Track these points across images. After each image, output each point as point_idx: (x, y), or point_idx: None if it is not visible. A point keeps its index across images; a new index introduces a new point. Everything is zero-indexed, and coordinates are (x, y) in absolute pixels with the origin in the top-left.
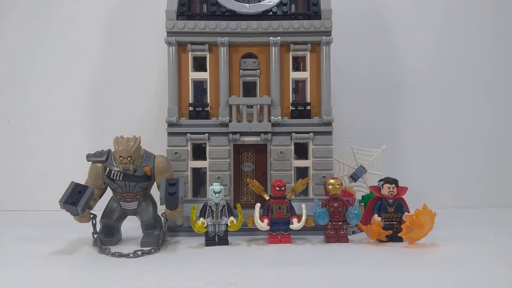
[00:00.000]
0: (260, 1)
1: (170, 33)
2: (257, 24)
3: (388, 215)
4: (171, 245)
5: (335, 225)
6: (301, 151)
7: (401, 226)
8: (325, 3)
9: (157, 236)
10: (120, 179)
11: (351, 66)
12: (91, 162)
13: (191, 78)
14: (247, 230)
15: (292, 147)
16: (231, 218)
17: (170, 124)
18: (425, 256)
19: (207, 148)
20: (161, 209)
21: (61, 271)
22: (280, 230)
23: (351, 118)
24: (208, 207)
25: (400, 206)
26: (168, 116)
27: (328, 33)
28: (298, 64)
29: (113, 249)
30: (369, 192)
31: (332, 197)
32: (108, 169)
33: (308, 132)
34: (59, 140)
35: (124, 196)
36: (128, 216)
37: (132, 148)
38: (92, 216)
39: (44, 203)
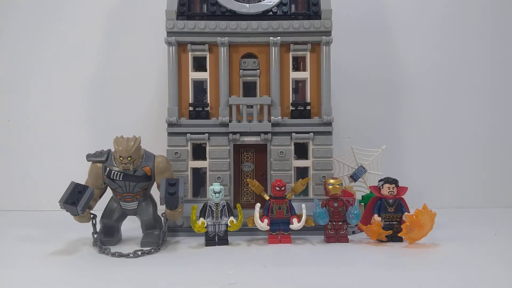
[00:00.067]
0: (260, 1)
1: (170, 33)
2: (257, 24)
3: (388, 215)
4: (171, 245)
5: (335, 225)
6: (301, 151)
7: (401, 226)
8: (325, 3)
9: (157, 236)
10: (120, 179)
11: (351, 66)
12: (91, 162)
13: (191, 78)
14: (247, 230)
15: (292, 147)
16: (231, 218)
17: (170, 124)
18: (425, 256)
19: (207, 148)
20: (161, 209)
21: (61, 271)
22: (280, 230)
23: (351, 118)
24: (208, 207)
25: (400, 206)
26: (168, 116)
27: (328, 33)
28: (298, 64)
29: (113, 249)
30: (369, 192)
31: (332, 197)
32: (108, 169)
33: (308, 132)
34: (59, 140)
35: (124, 196)
36: (128, 216)
37: (132, 148)
38: (92, 216)
39: (44, 203)
